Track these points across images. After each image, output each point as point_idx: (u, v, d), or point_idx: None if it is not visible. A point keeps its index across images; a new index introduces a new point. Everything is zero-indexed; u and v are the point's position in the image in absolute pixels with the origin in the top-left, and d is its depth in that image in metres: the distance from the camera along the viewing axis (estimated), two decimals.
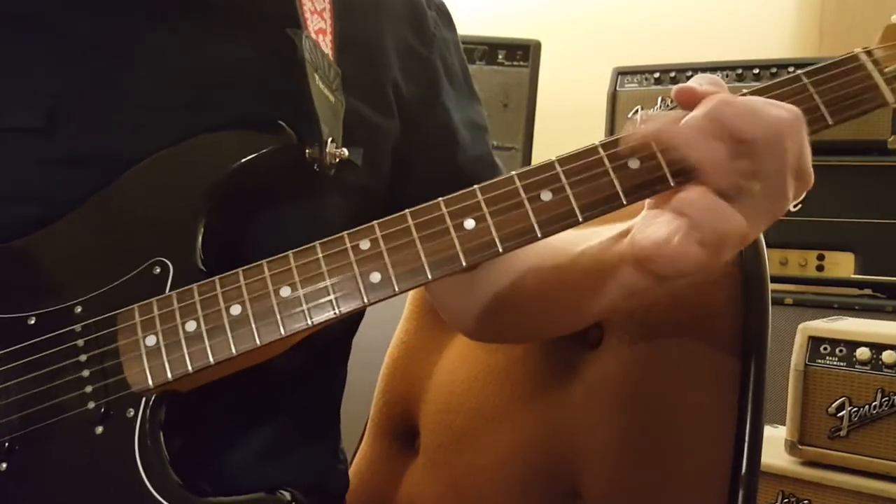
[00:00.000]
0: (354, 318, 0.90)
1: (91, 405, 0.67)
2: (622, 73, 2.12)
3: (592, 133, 2.09)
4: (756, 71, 1.97)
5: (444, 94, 0.93)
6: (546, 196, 0.66)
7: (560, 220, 0.66)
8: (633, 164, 0.65)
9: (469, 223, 0.66)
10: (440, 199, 0.67)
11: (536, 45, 2.29)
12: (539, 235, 0.66)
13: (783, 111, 0.63)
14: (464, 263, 0.65)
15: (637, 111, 2.06)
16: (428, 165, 0.90)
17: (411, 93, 0.89)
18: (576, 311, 0.81)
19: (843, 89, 0.68)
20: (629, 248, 0.68)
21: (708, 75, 0.67)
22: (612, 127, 2.10)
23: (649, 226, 0.66)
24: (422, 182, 0.88)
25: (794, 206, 0.66)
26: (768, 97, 0.65)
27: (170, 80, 0.76)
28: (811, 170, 0.65)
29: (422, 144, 0.90)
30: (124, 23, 0.76)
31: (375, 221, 0.67)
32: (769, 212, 0.64)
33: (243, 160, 0.72)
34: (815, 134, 0.66)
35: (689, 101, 0.65)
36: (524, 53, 2.27)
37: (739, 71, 1.98)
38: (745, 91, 0.66)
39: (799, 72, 0.68)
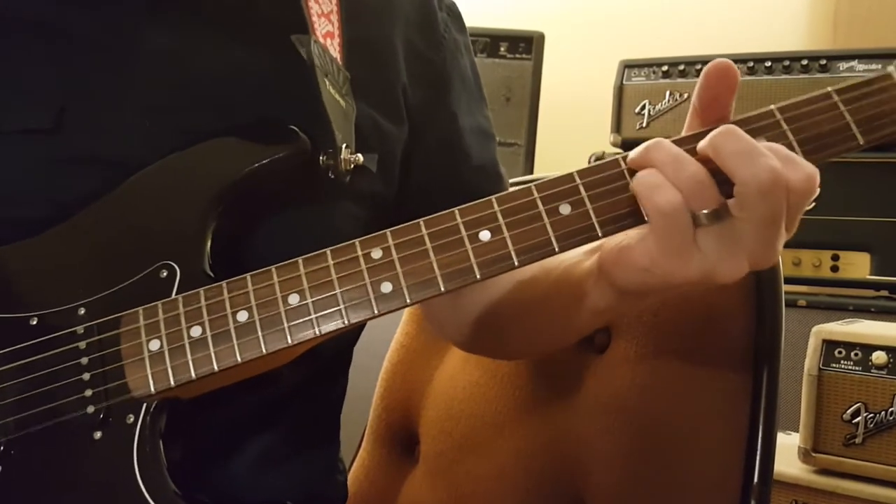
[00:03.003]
0: (358, 327, 0.90)
1: (90, 409, 0.67)
2: (629, 65, 2.10)
3: (598, 129, 2.10)
4: (768, 64, 1.95)
5: (454, 98, 0.93)
6: (565, 209, 0.66)
7: (578, 234, 0.65)
8: None
9: (484, 235, 0.66)
10: (455, 209, 0.67)
11: (540, 37, 2.30)
12: (557, 250, 0.65)
13: (778, 163, 0.62)
14: (478, 276, 0.65)
15: (644, 105, 2.06)
16: (430, 171, 0.91)
17: (419, 97, 0.90)
18: (550, 326, 0.82)
19: (874, 108, 0.68)
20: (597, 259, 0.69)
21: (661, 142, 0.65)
22: (618, 122, 2.08)
23: (619, 235, 0.67)
24: (421, 189, 0.89)
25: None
26: (796, 114, 0.66)
27: (176, 83, 0.77)
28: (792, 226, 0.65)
29: (426, 149, 0.91)
30: (129, 26, 0.77)
31: (388, 230, 0.67)
32: (747, 250, 0.63)
33: (256, 165, 0.73)
34: (846, 154, 0.67)
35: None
36: (527, 46, 2.28)
37: (751, 64, 1.95)
38: (772, 107, 0.66)
39: (829, 89, 0.68)
